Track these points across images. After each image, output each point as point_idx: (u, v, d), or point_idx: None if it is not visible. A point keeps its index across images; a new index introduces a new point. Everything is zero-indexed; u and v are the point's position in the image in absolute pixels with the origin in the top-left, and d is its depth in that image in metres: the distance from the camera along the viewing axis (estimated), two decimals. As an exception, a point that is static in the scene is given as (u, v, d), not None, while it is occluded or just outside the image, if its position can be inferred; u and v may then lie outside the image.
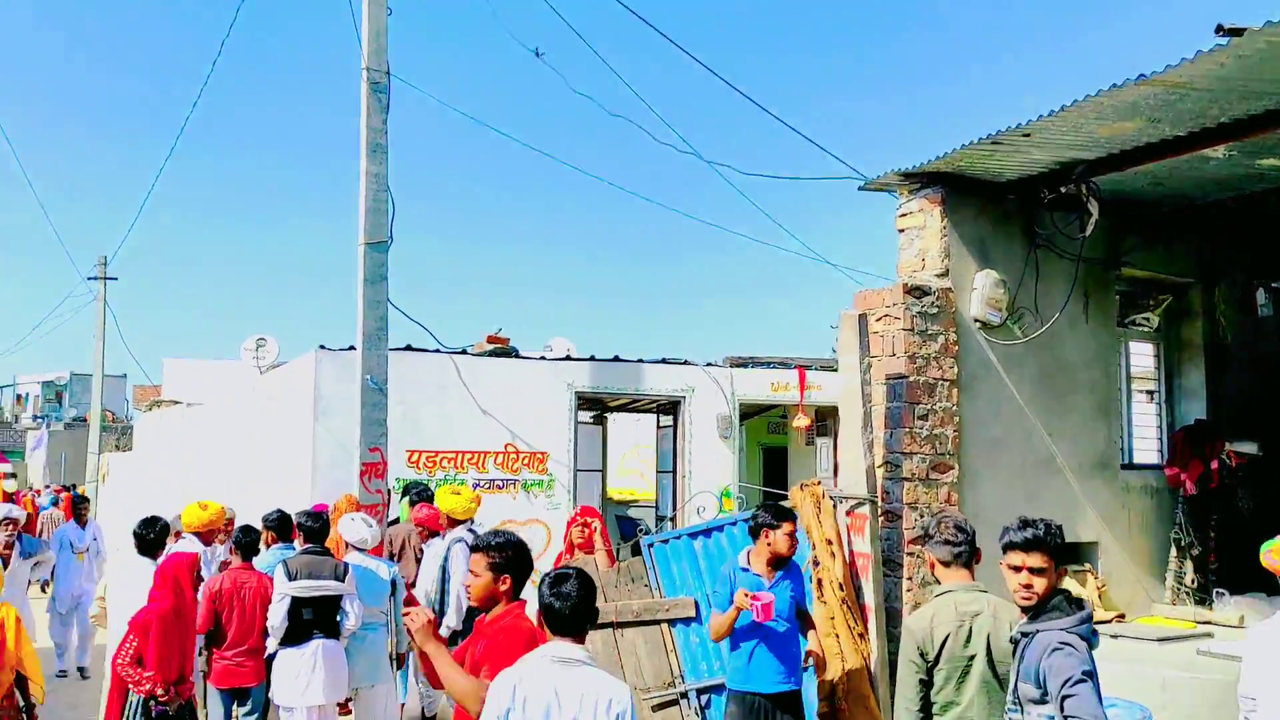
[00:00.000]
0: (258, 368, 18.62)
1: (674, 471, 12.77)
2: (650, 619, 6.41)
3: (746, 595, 4.97)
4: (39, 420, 48.53)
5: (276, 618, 6.58)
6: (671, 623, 6.40)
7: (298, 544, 7.95)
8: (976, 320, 6.71)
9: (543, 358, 12.10)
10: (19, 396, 57.51)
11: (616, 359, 12.39)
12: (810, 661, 5.32)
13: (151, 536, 7.11)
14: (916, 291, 6.41)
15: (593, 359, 12.27)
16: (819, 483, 6.26)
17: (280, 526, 7.69)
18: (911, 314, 6.37)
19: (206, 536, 7.69)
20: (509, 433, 11.75)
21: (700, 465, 12.57)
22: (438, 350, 11.67)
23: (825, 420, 13.48)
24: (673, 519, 12.85)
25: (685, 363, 12.70)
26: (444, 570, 7.65)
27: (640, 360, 12.49)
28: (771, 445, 17.68)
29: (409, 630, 4.00)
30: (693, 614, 6.33)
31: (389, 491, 10.10)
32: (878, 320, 6.47)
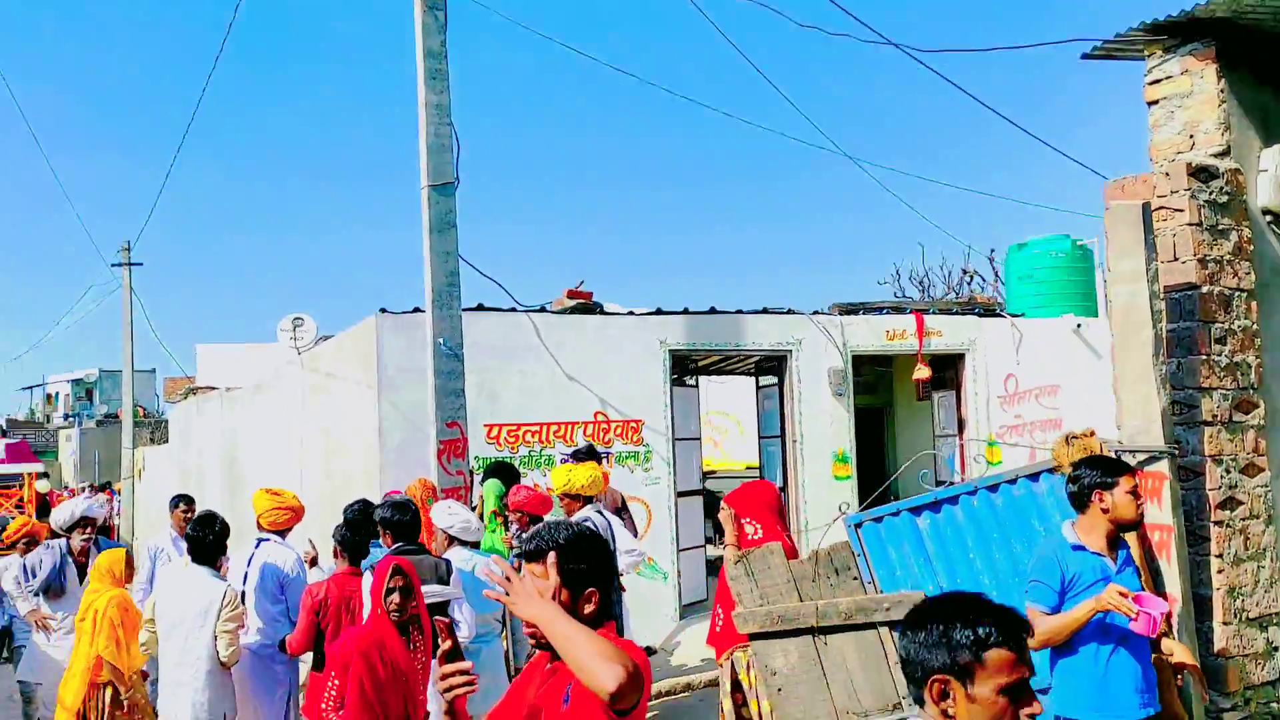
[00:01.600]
0: (296, 349, 17.24)
1: (782, 436, 11.24)
2: (864, 621, 4.89)
3: (1125, 595, 3.41)
4: (70, 419, 47.69)
5: None
6: (894, 625, 4.88)
7: (383, 542, 6.56)
8: (1267, 212, 5.11)
9: (631, 313, 10.57)
10: (49, 396, 56.78)
11: (713, 311, 10.84)
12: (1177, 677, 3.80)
13: (210, 539, 5.62)
14: (1202, 174, 4.81)
15: (686, 312, 10.73)
16: (1093, 432, 4.68)
17: (363, 521, 6.24)
18: (1198, 204, 4.78)
19: (285, 533, 6.24)
20: (598, 400, 10.26)
21: (812, 427, 11.04)
22: (513, 309, 10.17)
23: (942, 372, 11.86)
24: (782, 489, 11.33)
25: (790, 312, 11.14)
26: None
27: (740, 311, 10.94)
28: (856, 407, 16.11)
29: (505, 599, 2.52)
30: (924, 613, 4.80)
31: (470, 473, 8.67)
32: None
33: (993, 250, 24.60)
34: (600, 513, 6.32)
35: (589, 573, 2.59)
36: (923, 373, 11.35)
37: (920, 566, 4.87)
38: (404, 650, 4.35)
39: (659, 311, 10.64)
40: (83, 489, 25.05)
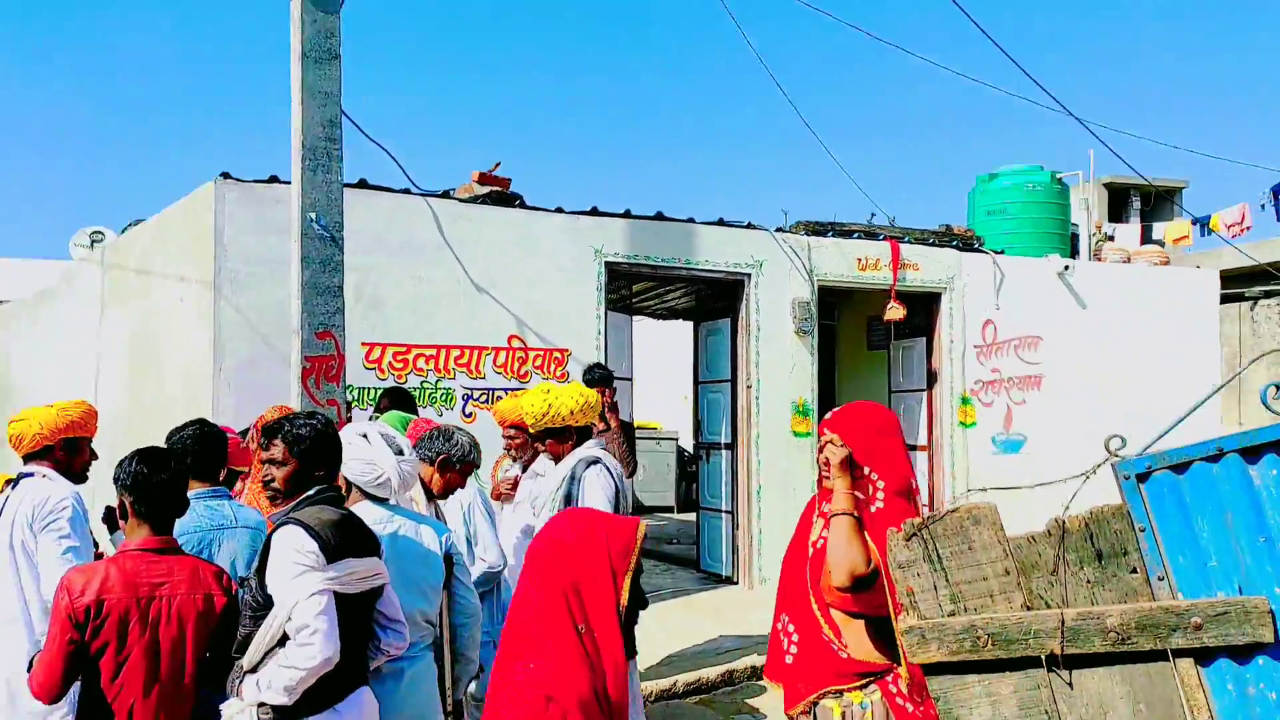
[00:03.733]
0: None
1: (732, 381, 9.08)
2: (1150, 649, 2.78)
3: None
4: None
5: (324, 648, 2.65)
6: (1202, 656, 2.77)
7: (249, 486, 4.07)
8: None
9: (560, 210, 8.15)
10: None
11: (660, 217, 8.56)
12: None
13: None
14: None
15: (628, 215, 8.40)
16: None
17: (205, 452, 3.68)
18: None
19: (73, 463, 3.67)
20: (514, 319, 7.83)
21: (771, 371, 8.93)
22: (407, 190, 7.60)
23: (912, 314, 9.84)
24: (729, 446, 9.20)
25: (751, 226, 8.96)
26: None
27: (691, 220, 8.69)
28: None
29: None
30: (1266, 635, 2.71)
31: (347, 404, 6.19)
32: None
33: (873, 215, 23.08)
34: (607, 448, 3.96)
35: None
36: (896, 312, 9.40)
37: (1255, 551, 2.76)
38: None
39: (595, 212, 8.26)
40: None
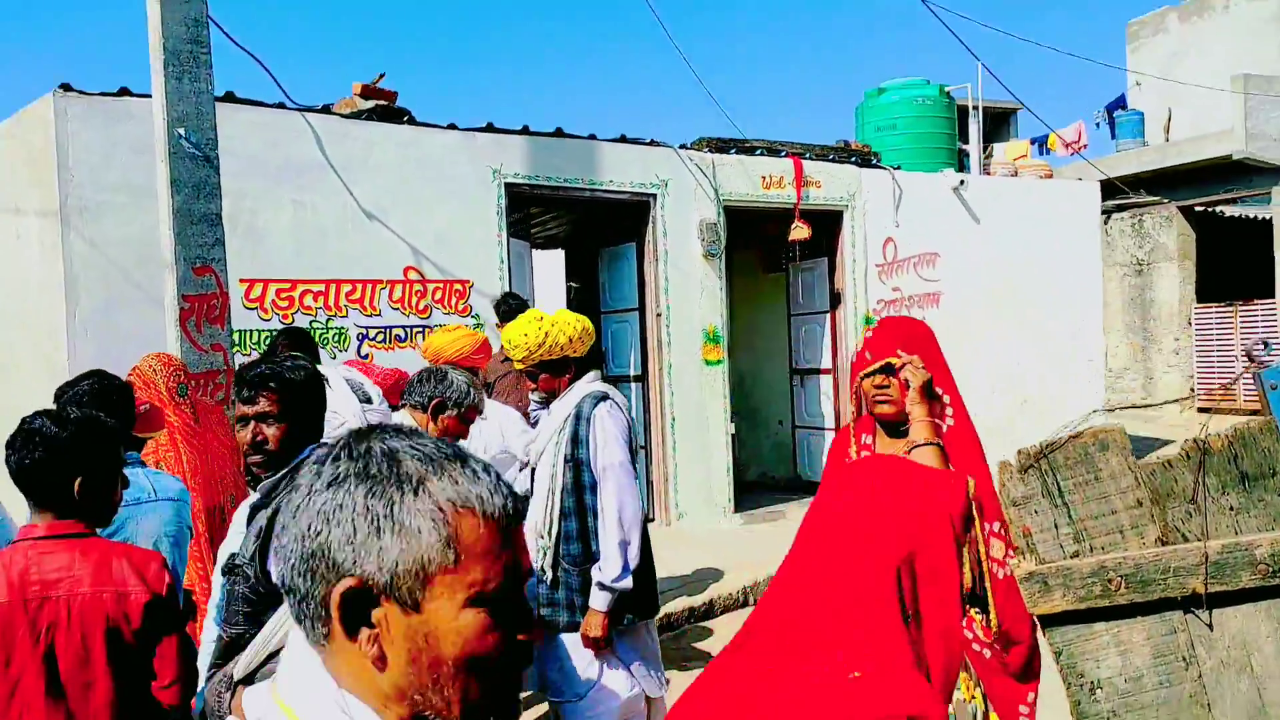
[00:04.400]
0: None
1: (641, 309, 8.56)
2: (1300, 576, 2.45)
3: None
4: None
5: None
6: (1351, 581, 2.47)
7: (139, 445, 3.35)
8: None
9: (453, 126, 7.37)
10: None
11: (560, 133, 7.88)
12: None
13: None
14: None
15: (527, 132, 7.69)
16: None
17: (106, 411, 2.93)
18: None
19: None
20: (409, 249, 7.08)
21: (680, 297, 8.46)
22: (281, 105, 6.69)
23: (817, 234, 9.42)
24: (640, 379, 8.72)
25: (654, 143, 8.39)
26: (574, 466, 3.17)
27: (593, 137, 8.05)
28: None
29: None
30: None
31: (233, 349, 5.45)
32: None
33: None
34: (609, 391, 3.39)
35: None
36: (802, 231, 9.03)
37: None
38: None
39: (490, 128, 7.52)
40: None
